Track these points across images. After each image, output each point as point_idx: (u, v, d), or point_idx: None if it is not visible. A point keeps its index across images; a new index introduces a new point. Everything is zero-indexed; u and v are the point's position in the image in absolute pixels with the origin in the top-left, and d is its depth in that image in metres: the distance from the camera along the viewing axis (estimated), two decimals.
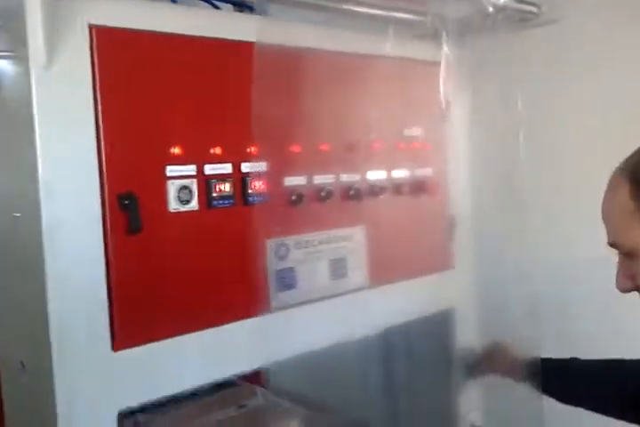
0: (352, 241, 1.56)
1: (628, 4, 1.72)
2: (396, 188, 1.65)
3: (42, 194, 1.09)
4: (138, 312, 1.21)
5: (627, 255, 0.97)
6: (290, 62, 1.35)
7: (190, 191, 1.27)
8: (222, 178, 1.31)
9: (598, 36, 1.73)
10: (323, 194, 1.47)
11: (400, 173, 1.66)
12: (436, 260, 1.78)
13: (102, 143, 1.15)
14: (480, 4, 1.51)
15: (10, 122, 1.21)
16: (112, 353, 1.17)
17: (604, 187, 0.99)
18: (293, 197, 1.42)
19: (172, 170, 1.24)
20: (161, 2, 1.33)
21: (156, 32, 1.22)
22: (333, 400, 1.69)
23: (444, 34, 1.51)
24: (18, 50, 1.12)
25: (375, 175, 1.60)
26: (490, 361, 1.61)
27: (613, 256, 1.01)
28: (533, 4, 1.65)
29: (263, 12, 1.45)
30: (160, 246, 1.23)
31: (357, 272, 1.57)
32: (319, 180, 1.48)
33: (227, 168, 1.32)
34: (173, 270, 1.25)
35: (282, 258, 1.42)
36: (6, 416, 1.38)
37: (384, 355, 1.92)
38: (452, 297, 1.82)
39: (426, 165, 1.73)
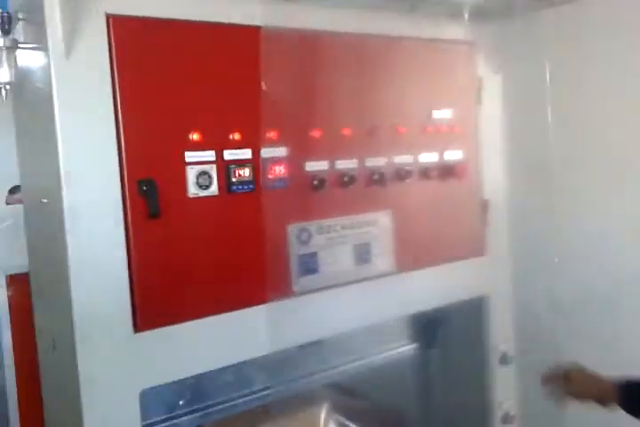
0: (377, 226, 1.55)
1: None
2: (424, 172, 1.62)
3: (62, 181, 1.13)
4: (159, 295, 1.24)
5: None
6: (307, 45, 1.34)
7: (210, 177, 1.28)
8: (242, 163, 1.32)
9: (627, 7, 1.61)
10: (345, 179, 1.46)
11: (428, 157, 1.63)
12: (467, 246, 1.75)
13: (121, 130, 1.18)
14: None
15: (32, 111, 1.25)
16: (133, 334, 1.21)
17: None
18: (315, 183, 1.42)
19: (190, 156, 1.26)
20: None
21: (172, 20, 1.24)
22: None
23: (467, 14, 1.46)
24: (39, 41, 1.16)
25: (401, 159, 1.58)
26: (574, 386, 1.42)
27: None
28: None
29: None
30: (180, 230, 1.26)
31: (383, 257, 1.56)
32: (342, 165, 1.47)
33: (246, 153, 1.33)
34: (194, 254, 1.27)
35: (304, 243, 1.42)
36: (42, 386, 1.46)
37: (414, 341, 1.92)
38: (484, 284, 1.78)
39: (456, 149, 1.69)
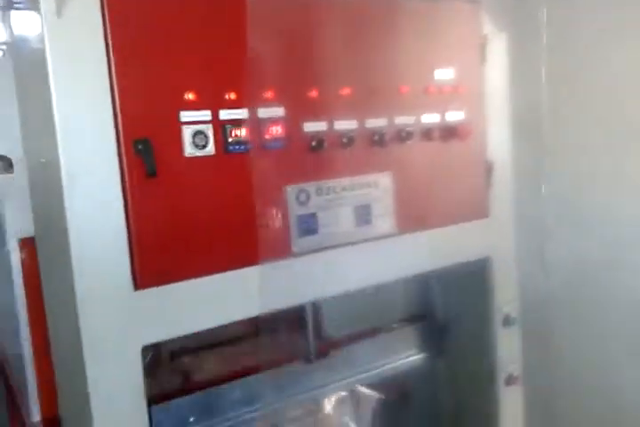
0: (377, 188, 1.54)
1: None
2: (426, 133, 1.60)
3: (59, 140, 1.14)
4: (158, 253, 1.26)
5: None
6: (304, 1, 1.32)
7: (206, 136, 1.28)
8: (238, 123, 1.32)
9: None
10: (344, 140, 1.45)
11: (430, 118, 1.61)
12: (470, 208, 1.74)
13: (116, 89, 1.18)
14: None
15: (29, 72, 1.26)
16: (133, 292, 1.23)
17: None
18: (313, 143, 1.42)
19: (186, 115, 1.26)
20: None
21: None
22: None
23: None
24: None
25: (403, 120, 1.56)
26: None
27: None
28: None
29: None
30: (177, 190, 1.27)
31: (384, 219, 1.56)
32: (341, 125, 1.46)
33: (242, 113, 1.32)
34: (192, 213, 1.29)
35: (302, 204, 1.43)
36: (52, 348, 1.51)
37: (417, 301, 1.93)
38: (487, 246, 1.78)
39: (459, 109, 1.66)
